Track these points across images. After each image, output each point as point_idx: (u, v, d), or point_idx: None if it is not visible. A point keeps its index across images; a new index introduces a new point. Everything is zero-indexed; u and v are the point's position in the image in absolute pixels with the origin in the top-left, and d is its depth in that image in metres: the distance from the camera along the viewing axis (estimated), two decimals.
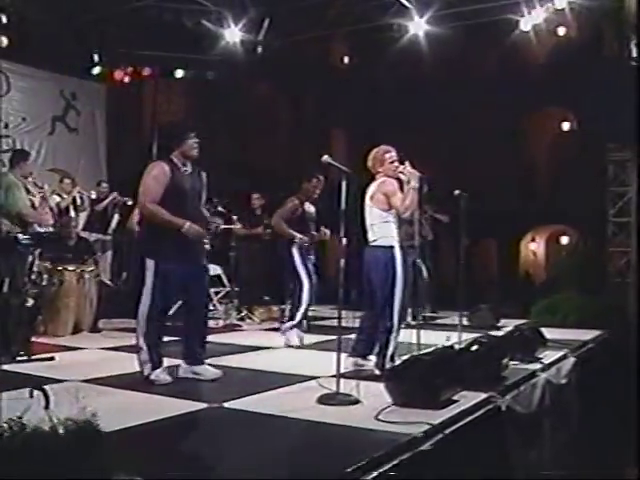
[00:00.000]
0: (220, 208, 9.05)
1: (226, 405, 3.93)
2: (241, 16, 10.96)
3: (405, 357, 4.29)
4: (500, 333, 6.36)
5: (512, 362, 5.18)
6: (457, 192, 6.21)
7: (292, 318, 6.94)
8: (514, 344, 5.38)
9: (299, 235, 6.88)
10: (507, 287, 13.47)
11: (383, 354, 5.09)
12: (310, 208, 7.22)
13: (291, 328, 6.83)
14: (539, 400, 4.72)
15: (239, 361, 5.66)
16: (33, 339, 6.30)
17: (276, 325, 8.73)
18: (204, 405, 3.93)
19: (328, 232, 7.13)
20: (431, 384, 3.83)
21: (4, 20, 9.69)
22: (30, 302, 5.44)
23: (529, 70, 14.55)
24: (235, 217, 9.08)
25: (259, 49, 11.86)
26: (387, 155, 5.18)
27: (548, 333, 6.49)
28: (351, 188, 4.02)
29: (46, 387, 4.34)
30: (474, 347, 4.74)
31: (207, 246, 8.21)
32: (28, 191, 6.74)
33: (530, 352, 5.45)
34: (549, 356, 5.66)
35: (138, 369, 4.68)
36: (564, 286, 9.25)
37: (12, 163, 6.40)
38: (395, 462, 2.98)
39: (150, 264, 4.62)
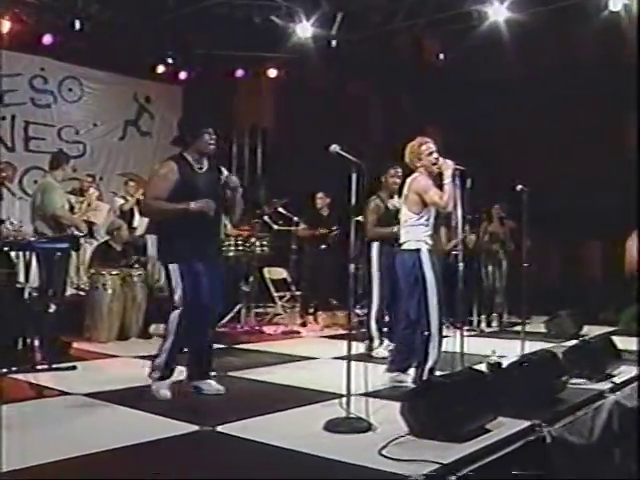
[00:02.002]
0: (280, 209, 8.66)
1: (219, 429, 3.48)
2: (313, 10, 10.53)
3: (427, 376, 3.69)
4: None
5: (578, 380, 4.49)
6: (520, 187, 5.53)
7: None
8: (579, 359, 4.65)
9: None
10: (610, 291, 12.35)
11: (422, 367, 4.53)
12: (396, 203, 6.50)
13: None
14: (603, 428, 3.97)
15: (273, 374, 5.18)
16: (75, 345, 6.23)
17: (340, 331, 8.24)
18: (195, 428, 3.50)
19: None
20: (452, 411, 3.22)
21: (77, 25, 9.70)
22: (53, 308, 5.19)
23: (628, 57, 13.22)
24: (296, 218, 8.63)
25: (333, 44, 11.39)
26: (423, 147, 4.65)
27: (633, 344, 5.69)
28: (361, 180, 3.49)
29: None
30: (524, 363, 4.05)
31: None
32: (72, 193, 6.62)
33: (599, 368, 4.68)
34: (624, 373, 4.87)
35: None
36: None
37: (52, 165, 6.23)
38: None
39: (174, 269, 4.24)
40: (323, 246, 8.43)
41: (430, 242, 4.58)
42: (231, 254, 8.00)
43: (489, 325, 8.39)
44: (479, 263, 8.42)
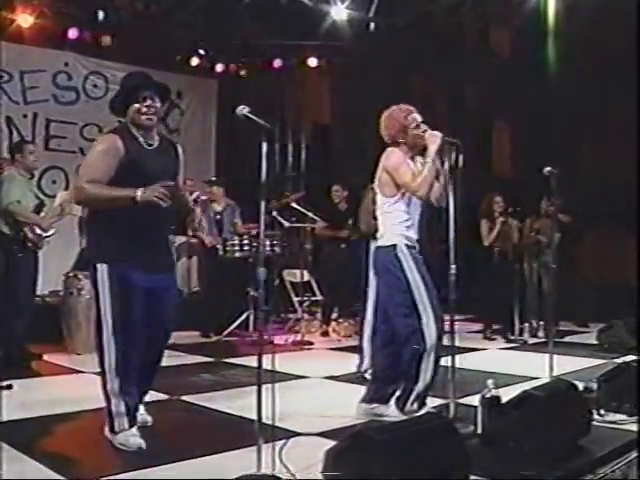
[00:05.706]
0: (294, 204, 7.75)
1: None
2: None
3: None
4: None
5: (615, 417, 3.44)
6: (547, 169, 4.50)
7: None
8: (617, 387, 3.57)
9: None
10: None
11: (408, 392, 3.57)
12: None
13: None
14: None
15: (235, 400, 4.29)
16: (46, 357, 5.57)
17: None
18: None
19: None
20: (391, 473, 2.24)
21: (101, 16, 9.12)
22: None
23: None
24: (311, 214, 7.69)
25: (371, 27, 10.41)
26: (410, 117, 3.69)
27: None
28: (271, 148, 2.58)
29: None
30: (525, 399, 3.00)
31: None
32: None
33: None
34: None
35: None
36: None
37: (12, 156, 5.57)
38: None
39: (102, 270, 3.30)
40: (343, 245, 7.48)
41: (413, 236, 3.63)
42: (237, 255, 7.19)
43: (534, 335, 7.25)
44: (521, 262, 7.30)
